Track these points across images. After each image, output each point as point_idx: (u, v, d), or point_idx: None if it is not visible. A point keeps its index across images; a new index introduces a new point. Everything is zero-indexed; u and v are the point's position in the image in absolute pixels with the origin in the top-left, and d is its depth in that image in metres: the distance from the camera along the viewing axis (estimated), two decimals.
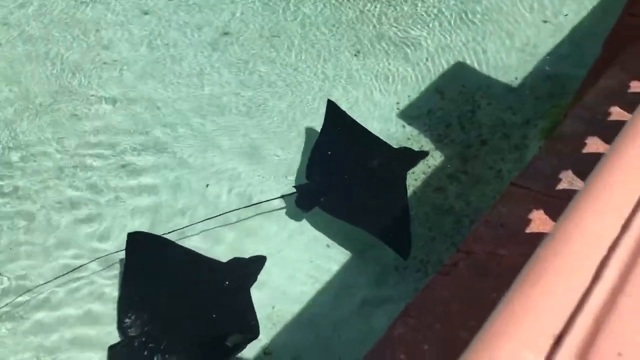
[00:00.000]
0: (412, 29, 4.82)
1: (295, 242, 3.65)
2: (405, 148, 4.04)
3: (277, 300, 3.40)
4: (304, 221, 3.73)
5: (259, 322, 3.19)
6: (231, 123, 4.22)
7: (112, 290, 3.39)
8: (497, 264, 2.55)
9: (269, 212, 3.75)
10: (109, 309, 3.32)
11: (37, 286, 3.34)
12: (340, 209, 3.60)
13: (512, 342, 0.61)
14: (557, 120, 3.92)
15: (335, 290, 3.49)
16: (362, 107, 4.34)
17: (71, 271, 3.39)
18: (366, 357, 2.48)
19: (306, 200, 3.63)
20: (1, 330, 3.23)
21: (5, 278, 3.39)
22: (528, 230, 2.68)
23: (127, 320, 3.14)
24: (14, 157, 3.91)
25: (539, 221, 2.75)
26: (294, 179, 3.91)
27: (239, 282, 3.29)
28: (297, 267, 3.56)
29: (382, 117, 4.26)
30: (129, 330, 3.11)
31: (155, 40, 4.68)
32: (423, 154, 3.98)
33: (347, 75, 4.54)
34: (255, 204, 3.72)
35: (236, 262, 3.41)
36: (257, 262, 3.41)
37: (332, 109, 3.98)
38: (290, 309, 3.39)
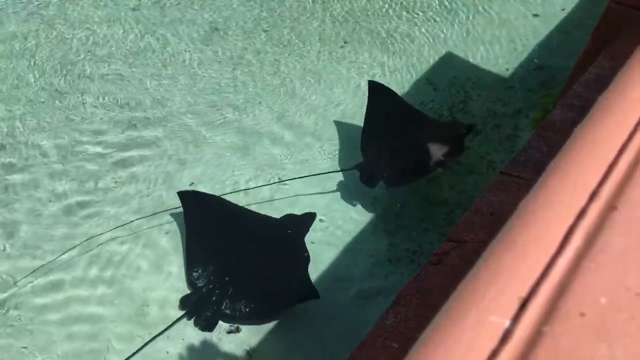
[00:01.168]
0: (402, 21, 4.84)
1: None
2: (454, 120, 4.13)
3: None
4: None
5: None
6: (223, 119, 4.22)
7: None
8: None
9: (261, 202, 3.76)
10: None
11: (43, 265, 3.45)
12: (402, 177, 3.73)
13: (479, 307, 0.62)
14: (547, 110, 3.93)
15: (328, 283, 3.49)
16: (354, 100, 4.35)
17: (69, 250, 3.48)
18: (358, 347, 2.50)
19: (369, 177, 3.73)
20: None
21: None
22: None
23: (194, 273, 3.31)
24: (7, 151, 3.94)
25: None
26: (284, 173, 3.92)
27: (294, 234, 3.44)
28: None
29: None
30: (197, 282, 3.29)
31: (145, 37, 4.68)
32: (471, 126, 4.03)
33: (335, 68, 4.54)
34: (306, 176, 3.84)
35: (289, 217, 3.56)
36: (309, 217, 3.54)
37: (375, 87, 4.01)
38: None
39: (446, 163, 3.77)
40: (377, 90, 4.00)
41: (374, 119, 3.91)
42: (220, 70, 4.51)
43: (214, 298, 3.22)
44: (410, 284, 2.68)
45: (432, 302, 2.60)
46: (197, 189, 3.79)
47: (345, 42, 4.70)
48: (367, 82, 4.01)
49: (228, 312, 3.20)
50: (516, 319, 0.60)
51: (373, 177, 3.72)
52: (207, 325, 3.20)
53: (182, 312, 3.23)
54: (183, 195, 3.53)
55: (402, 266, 3.57)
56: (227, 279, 3.27)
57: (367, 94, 3.96)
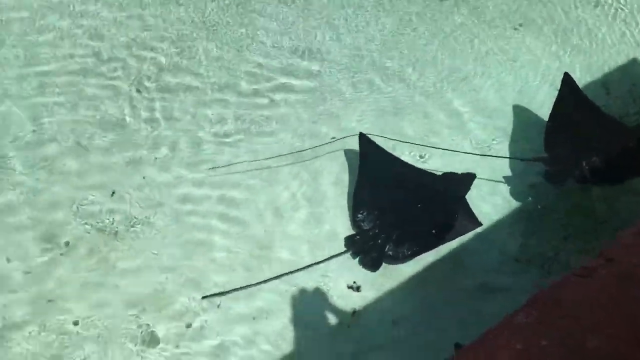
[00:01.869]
0: (588, 15, 4.50)
1: None
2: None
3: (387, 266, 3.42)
4: None
5: (367, 280, 3.38)
6: (381, 82, 4.19)
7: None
8: None
9: None
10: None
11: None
12: (596, 176, 3.54)
13: None
14: None
15: (452, 269, 3.44)
16: (515, 88, 4.18)
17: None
18: (481, 337, 2.43)
19: (557, 173, 3.59)
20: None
21: None
22: None
23: (359, 215, 3.52)
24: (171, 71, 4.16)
25: None
26: (427, 148, 3.85)
27: (456, 189, 3.51)
28: None
29: (536, 102, 4.04)
30: (362, 224, 3.51)
31: None
32: None
33: (504, 51, 4.36)
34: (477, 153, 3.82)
35: (450, 174, 3.62)
36: (469, 176, 3.56)
37: (568, 82, 3.82)
38: (401, 275, 3.40)
39: None
40: (569, 86, 3.80)
41: (564, 115, 3.71)
42: (389, 33, 4.45)
43: (379, 241, 3.41)
44: (548, 289, 2.55)
45: (570, 313, 2.45)
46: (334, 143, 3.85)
47: (520, 25, 4.46)
48: (538, 72, 3.80)
49: (391, 253, 3.39)
50: None
51: (561, 174, 3.56)
52: (373, 264, 3.39)
53: (340, 251, 3.43)
54: (362, 139, 3.65)
55: (531, 269, 3.42)
56: (392, 223, 3.45)
57: (533, 85, 3.76)
